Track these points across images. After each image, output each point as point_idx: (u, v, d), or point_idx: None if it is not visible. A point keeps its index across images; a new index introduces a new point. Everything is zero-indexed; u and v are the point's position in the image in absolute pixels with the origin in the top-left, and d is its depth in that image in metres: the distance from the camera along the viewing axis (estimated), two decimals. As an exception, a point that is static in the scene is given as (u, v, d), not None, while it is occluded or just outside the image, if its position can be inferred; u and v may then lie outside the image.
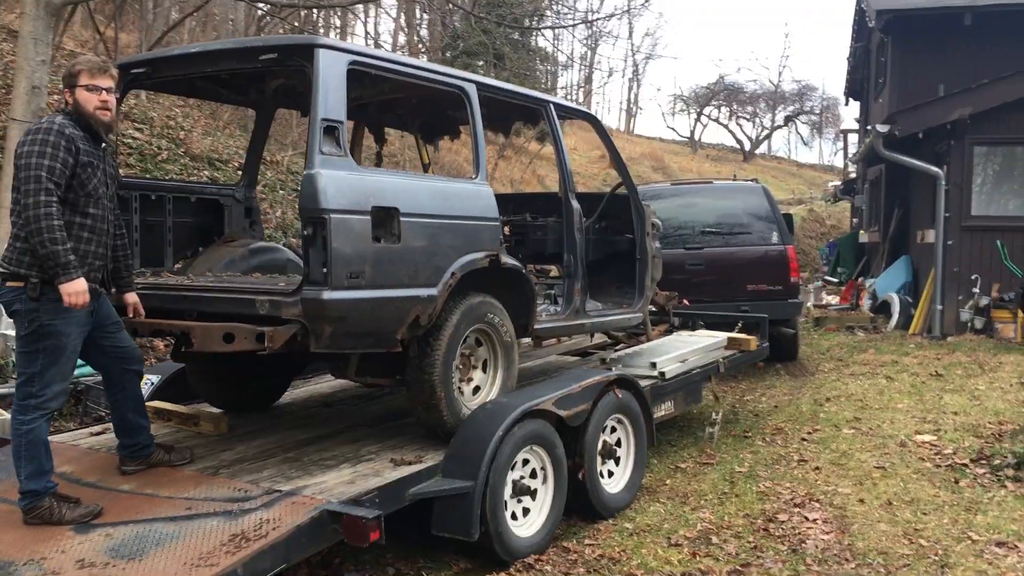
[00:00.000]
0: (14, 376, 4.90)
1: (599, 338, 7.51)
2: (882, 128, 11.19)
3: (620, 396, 5.12)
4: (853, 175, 23.03)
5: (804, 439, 6.48)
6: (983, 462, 5.72)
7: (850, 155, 25.62)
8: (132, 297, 4.21)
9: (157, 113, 12.10)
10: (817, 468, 5.76)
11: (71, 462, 4.34)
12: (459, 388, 4.62)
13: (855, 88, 22.53)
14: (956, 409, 7.22)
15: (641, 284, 6.32)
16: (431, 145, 6.78)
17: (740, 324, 7.45)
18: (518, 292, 5.03)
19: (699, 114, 70.26)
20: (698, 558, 4.28)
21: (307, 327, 3.84)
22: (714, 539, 4.53)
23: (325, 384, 6.22)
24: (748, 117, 70.84)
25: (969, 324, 11.14)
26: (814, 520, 4.78)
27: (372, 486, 3.86)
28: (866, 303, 13.95)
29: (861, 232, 17.70)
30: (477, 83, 4.93)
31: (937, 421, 6.85)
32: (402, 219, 4.13)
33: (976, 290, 11.10)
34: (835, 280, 17.14)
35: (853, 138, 27.55)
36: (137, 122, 11.15)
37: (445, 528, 4.03)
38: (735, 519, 4.82)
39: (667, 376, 5.85)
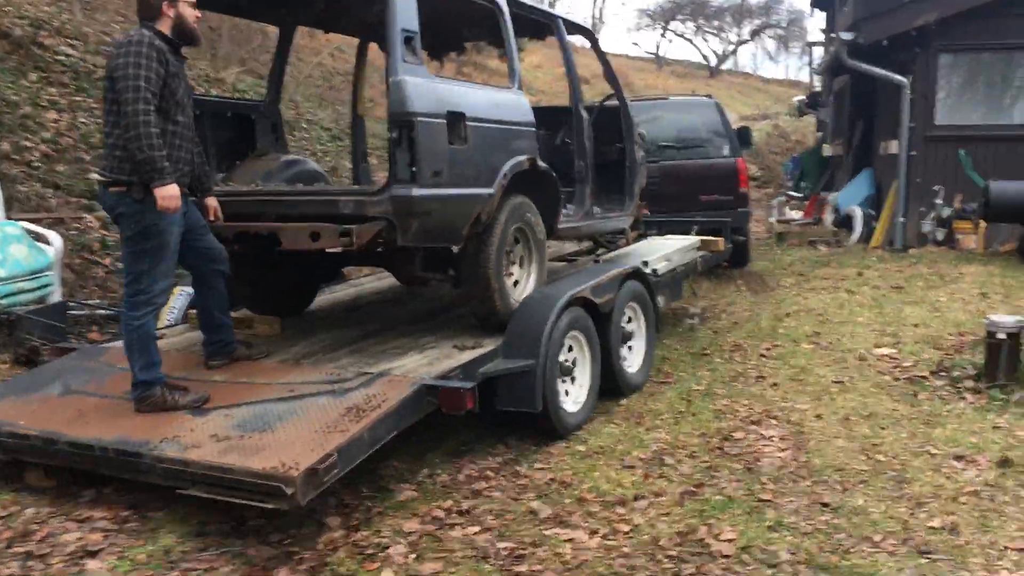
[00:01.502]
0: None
1: (572, 246, 7.63)
2: (846, 36, 10.90)
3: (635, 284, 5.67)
4: (818, 89, 22.73)
5: (763, 355, 6.36)
6: (942, 374, 5.62)
7: (815, 68, 25.22)
8: (213, 201, 4.46)
9: (92, 29, 11.47)
10: (775, 384, 5.63)
11: (172, 354, 4.68)
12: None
13: (821, -2, 22.10)
14: (916, 321, 7.13)
15: (631, 190, 6.76)
16: (438, 60, 6.98)
17: (696, 229, 7.92)
18: (548, 194, 5.41)
19: (664, 29, 69.26)
20: (651, 480, 4.14)
21: (394, 223, 4.22)
22: (668, 460, 4.38)
23: (342, 293, 6.58)
24: (714, 32, 69.95)
25: (931, 236, 11.06)
26: (770, 438, 4.65)
27: (450, 366, 4.28)
28: (828, 217, 13.82)
29: (825, 145, 17.49)
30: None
31: (897, 334, 6.74)
32: (468, 123, 4.52)
33: (939, 201, 10.98)
34: (799, 195, 16.98)
35: (819, 51, 27.16)
36: (70, 38, 10.56)
37: (512, 403, 4.43)
38: (690, 439, 4.67)
39: (659, 272, 6.25)
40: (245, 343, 4.80)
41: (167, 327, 5.60)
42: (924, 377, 5.61)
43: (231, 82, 12.11)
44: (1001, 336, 5.26)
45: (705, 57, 69.31)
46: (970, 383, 5.38)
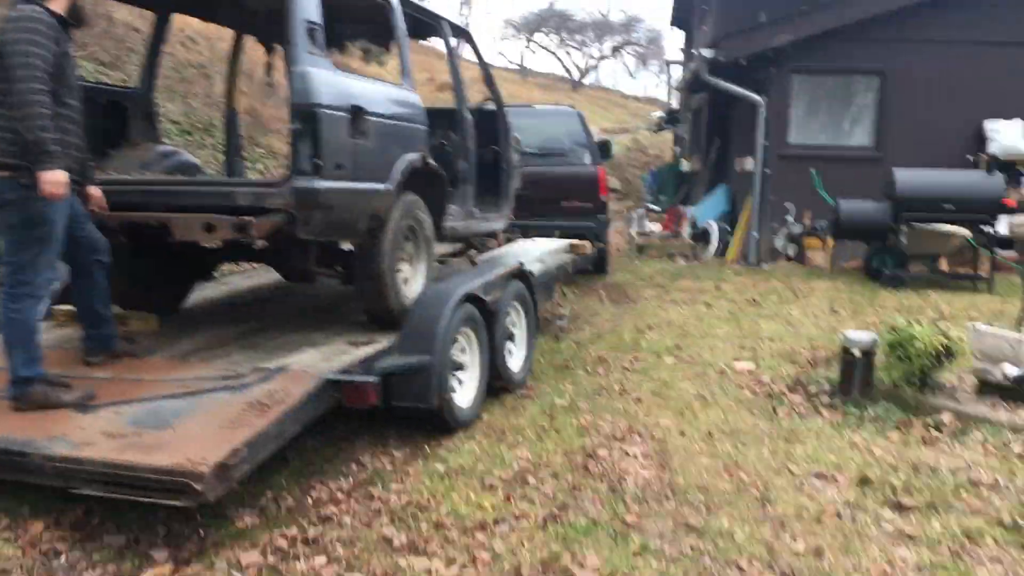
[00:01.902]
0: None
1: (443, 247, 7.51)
2: (707, 53, 11.11)
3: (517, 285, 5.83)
4: (676, 105, 23.34)
5: (626, 368, 6.28)
6: (799, 390, 5.67)
7: (674, 85, 25.89)
8: (97, 191, 4.25)
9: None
10: (639, 399, 5.53)
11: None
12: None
13: (681, 16, 22.70)
14: (772, 335, 7.23)
15: (507, 193, 6.93)
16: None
17: (557, 234, 8.27)
18: (436, 193, 5.47)
19: (529, 40, 70.05)
20: (513, 502, 3.91)
21: (295, 215, 4.17)
22: (531, 480, 4.17)
23: (214, 291, 6.34)
24: (577, 46, 71.33)
25: (783, 251, 11.40)
26: (635, 455, 4.51)
27: (348, 361, 4.29)
28: (686, 231, 14.09)
29: (683, 161, 17.94)
30: None
31: (755, 348, 6.81)
32: (368, 117, 4.53)
33: (790, 218, 11.33)
34: (657, 208, 17.31)
35: (677, 69, 27.94)
36: None
37: (407, 399, 4.44)
38: (554, 456, 4.48)
39: (534, 274, 6.27)
40: (127, 339, 4.65)
41: None
42: (783, 393, 5.63)
43: (69, 68, 11.24)
44: (856, 353, 5.33)
45: (568, 70, 70.50)
46: (826, 399, 5.44)
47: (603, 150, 10.86)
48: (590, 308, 8.62)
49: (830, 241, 11.02)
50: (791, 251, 11.32)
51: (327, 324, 5.20)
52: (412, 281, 5.24)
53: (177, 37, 18.27)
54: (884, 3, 10.86)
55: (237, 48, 6.59)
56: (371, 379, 4.11)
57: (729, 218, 13.34)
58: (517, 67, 70.01)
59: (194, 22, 6.16)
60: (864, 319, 7.82)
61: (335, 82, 4.38)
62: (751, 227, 11.55)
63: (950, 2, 10.86)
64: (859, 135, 11.48)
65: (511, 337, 5.71)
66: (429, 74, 36.23)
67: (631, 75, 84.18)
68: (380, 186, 4.70)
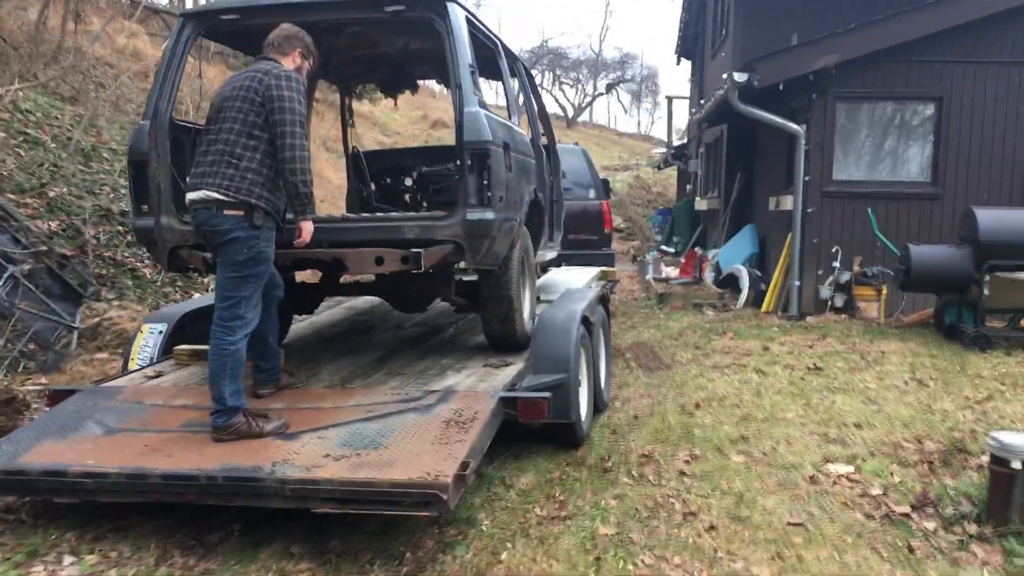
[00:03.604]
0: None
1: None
2: (740, 77, 9.71)
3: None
4: (681, 141, 22.05)
5: (684, 473, 4.75)
6: (929, 511, 4.16)
7: (675, 121, 24.59)
8: (309, 226, 4.32)
9: None
10: (712, 526, 4.02)
11: (190, 395, 4.66)
12: None
13: (688, 46, 21.46)
14: (857, 419, 5.73)
15: (559, 223, 7.18)
16: (392, 98, 7.60)
17: (563, 263, 8.49)
18: (535, 225, 5.90)
19: (523, 78, 69.21)
20: None
21: (462, 245, 4.59)
22: None
23: (296, 325, 6.58)
24: (571, 83, 70.56)
25: (829, 302, 9.93)
26: (735, 643, 3.01)
27: (504, 381, 4.63)
28: (709, 276, 12.66)
29: (697, 199, 16.54)
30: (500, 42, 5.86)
31: (843, 439, 5.30)
32: (512, 153, 4.98)
33: (836, 264, 9.89)
34: (671, 250, 15.90)
35: (680, 104, 26.71)
36: None
37: (550, 415, 4.50)
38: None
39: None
40: (287, 371, 4.90)
41: (145, 366, 5.41)
42: (907, 515, 4.12)
43: (9, 98, 9.80)
44: (1016, 465, 3.84)
45: (562, 107, 69.80)
46: (972, 527, 3.93)
47: (604, 189, 11.47)
48: (618, 377, 7.12)
49: (884, 290, 9.57)
50: (839, 301, 9.85)
51: (441, 349, 5.63)
52: (526, 306, 5.58)
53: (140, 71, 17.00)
54: (942, 19, 9.50)
55: (345, 99, 7.38)
56: (544, 395, 4.44)
57: (758, 262, 11.91)
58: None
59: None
60: (963, 394, 6.31)
61: (494, 121, 4.78)
62: (791, 274, 10.09)
63: (1018, 19, 9.50)
64: (914, 169, 10.05)
65: (600, 357, 5.91)
66: (422, 111, 35.20)
67: (625, 111, 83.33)
68: (516, 216, 5.13)
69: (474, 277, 5.43)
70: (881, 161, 10.08)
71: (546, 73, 69.95)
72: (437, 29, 4.73)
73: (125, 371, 5.43)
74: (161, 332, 5.63)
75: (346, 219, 5.10)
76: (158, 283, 8.49)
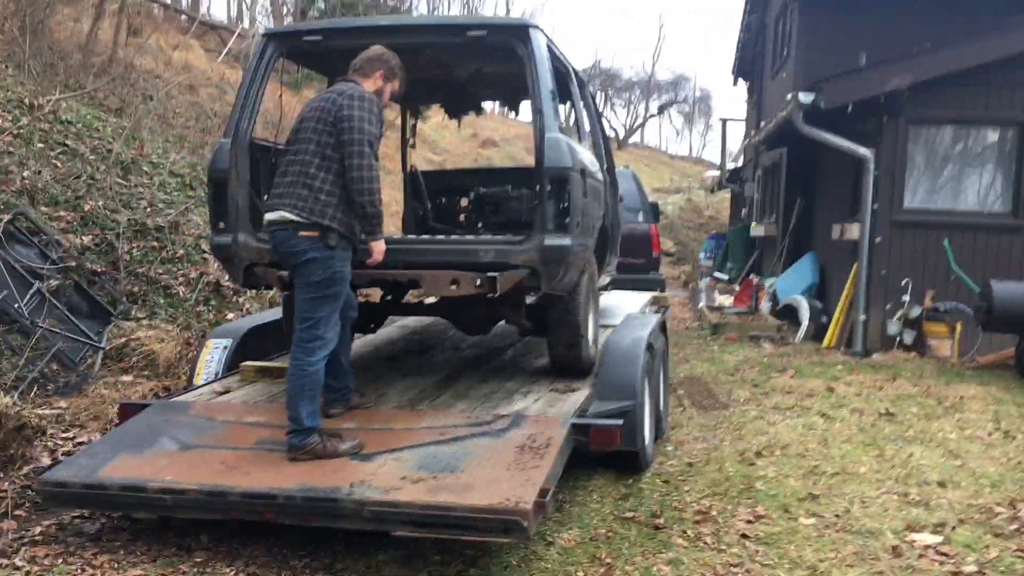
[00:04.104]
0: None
1: None
2: (805, 98, 9.19)
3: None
4: (736, 164, 21.43)
5: (745, 535, 4.22)
6: (1039, 597, 3.61)
7: (729, 144, 23.97)
8: (382, 246, 4.34)
9: None
10: (782, 607, 3.51)
11: (261, 413, 4.67)
12: None
13: (745, 68, 20.89)
14: (939, 475, 5.15)
15: (615, 248, 6.96)
16: (456, 119, 7.50)
17: (611, 288, 7.97)
18: (600, 249, 5.74)
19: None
20: None
21: (538, 271, 4.57)
22: None
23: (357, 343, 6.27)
24: (623, 104, 70.15)
25: (897, 339, 9.31)
26: None
27: (572, 408, 4.61)
28: (765, 306, 12.08)
29: (753, 224, 15.93)
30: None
31: (926, 500, 4.72)
32: (587, 179, 4.92)
33: (906, 298, 9.27)
34: (724, 277, 15.32)
35: (734, 126, 26.08)
36: None
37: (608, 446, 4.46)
38: None
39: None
40: (357, 391, 4.88)
41: (210, 381, 5.41)
42: (1011, 602, 3.58)
43: (51, 107, 9.63)
44: None
45: (613, 128, 69.40)
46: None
47: (653, 212, 11.40)
48: (670, 416, 6.61)
49: (958, 328, 8.93)
50: (908, 338, 9.22)
51: (507, 372, 5.56)
52: (591, 332, 5.43)
53: (207, 84, 16.99)
54: (1022, 42, 8.88)
55: (405, 116, 7.26)
56: (617, 423, 4.42)
57: (818, 292, 11.30)
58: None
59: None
60: (1057, 450, 5.71)
61: (573, 146, 4.73)
62: (855, 307, 9.49)
63: (1109, 37, 8.85)
64: (992, 198, 9.41)
65: (661, 384, 5.92)
66: (472, 130, 34.99)
67: (677, 134, 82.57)
68: (589, 243, 5.10)
69: (532, 299, 5.29)
70: (956, 189, 9.45)
71: (598, 93, 69.71)
72: (518, 54, 4.74)
73: (190, 386, 5.48)
74: (226, 348, 5.64)
75: (422, 240, 5.13)
76: (190, 302, 8.18)
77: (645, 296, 8.04)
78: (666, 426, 6.05)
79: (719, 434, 6.15)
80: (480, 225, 7.01)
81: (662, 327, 6.32)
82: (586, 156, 5.21)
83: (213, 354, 5.65)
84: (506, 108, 7.25)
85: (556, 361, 5.34)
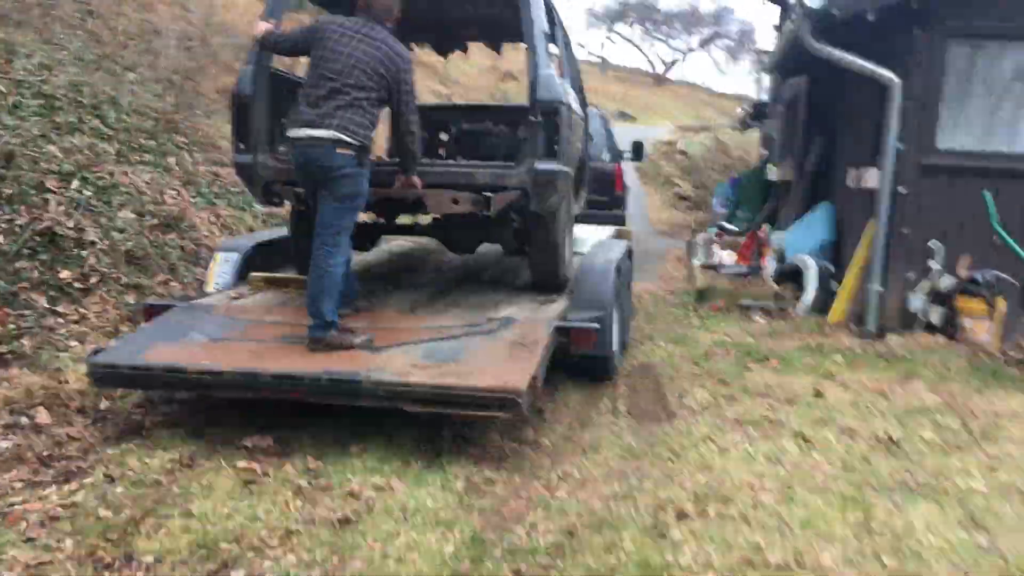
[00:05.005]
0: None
1: None
2: (814, 2, 7.08)
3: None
4: (766, 97, 19.11)
5: None
6: None
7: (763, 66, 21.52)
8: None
9: None
10: None
11: (280, 313, 5.29)
12: None
13: (774, -12, 18.43)
14: (951, 565, 3.28)
15: (586, 182, 7.48)
16: (443, 56, 8.12)
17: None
18: (578, 180, 6.49)
19: (610, 31, 65.91)
20: None
21: (528, 192, 5.15)
22: None
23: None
24: (663, 38, 66.87)
25: (922, 316, 7.32)
26: None
27: (554, 314, 5.23)
28: (770, 265, 10.07)
29: (770, 166, 13.76)
30: None
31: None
32: (571, 113, 5.53)
33: (935, 265, 7.25)
34: (734, 228, 13.24)
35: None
36: None
37: (588, 348, 5.09)
38: None
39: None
40: (362, 297, 5.49)
41: (219, 291, 5.89)
42: None
43: None
44: None
45: (651, 64, 66.37)
46: None
47: (636, 152, 11.34)
48: (592, 429, 4.78)
49: (1000, 305, 6.93)
50: (935, 317, 7.23)
51: (491, 288, 6.09)
52: (567, 252, 6.06)
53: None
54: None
55: None
56: (594, 326, 5.03)
57: (832, 252, 9.28)
58: (598, 60, 66.24)
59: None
60: None
61: (560, 83, 5.24)
62: (871, 274, 7.49)
63: None
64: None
65: (625, 302, 6.65)
66: (492, 62, 32.87)
67: (720, 70, 78.72)
68: (568, 169, 5.51)
69: (516, 223, 5.88)
70: (1006, 127, 7.32)
71: (635, 26, 66.52)
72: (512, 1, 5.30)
73: (203, 293, 6.00)
74: (234, 260, 6.13)
75: (427, 164, 5.45)
76: (9, 254, 6.46)
77: (609, 229, 8.31)
78: (629, 340, 6.79)
79: (644, 468, 4.31)
80: (459, 159, 7.10)
81: (628, 254, 6.94)
82: (571, 93, 5.65)
83: (223, 266, 6.11)
84: (491, 48, 7.68)
85: (537, 277, 5.91)
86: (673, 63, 67.54)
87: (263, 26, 5.06)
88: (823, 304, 8.26)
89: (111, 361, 4.47)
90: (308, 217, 5.20)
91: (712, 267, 10.64)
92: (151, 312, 5.28)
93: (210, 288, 5.99)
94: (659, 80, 64.13)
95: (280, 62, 6.01)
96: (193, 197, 8.71)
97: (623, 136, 13.45)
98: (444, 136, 7.74)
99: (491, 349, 4.55)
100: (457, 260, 7.25)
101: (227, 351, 4.59)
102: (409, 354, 4.48)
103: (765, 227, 12.41)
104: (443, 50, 7.73)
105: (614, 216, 10.42)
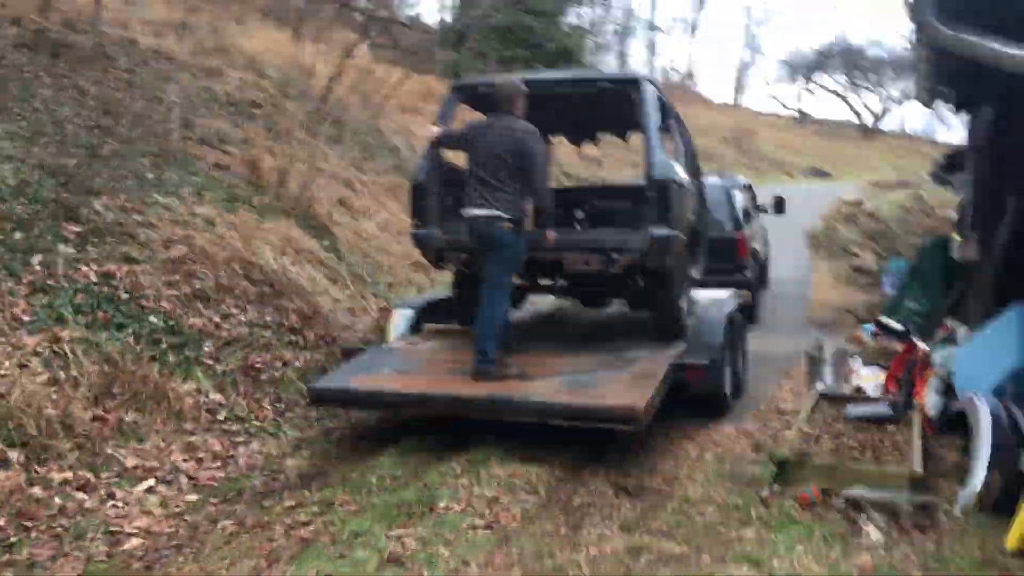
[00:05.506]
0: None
1: None
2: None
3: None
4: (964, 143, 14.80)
5: None
6: None
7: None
8: (553, 234, 6.33)
9: None
10: None
11: (448, 354, 6.73)
12: None
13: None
14: None
15: (705, 251, 8.44)
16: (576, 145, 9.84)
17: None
18: (691, 247, 7.56)
19: (807, 81, 61.03)
20: None
21: (646, 253, 6.27)
22: None
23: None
24: (871, 87, 61.05)
25: None
26: None
27: (672, 356, 6.39)
28: (931, 401, 6.36)
29: (955, 237, 9.80)
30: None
31: None
32: (680, 187, 6.67)
33: None
34: (898, 327, 9.35)
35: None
36: None
37: (704, 387, 6.52)
38: None
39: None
40: (514, 341, 6.64)
41: (398, 339, 7.31)
42: None
43: None
44: None
45: (857, 114, 60.72)
46: None
47: (777, 206, 14.01)
48: None
49: None
50: None
51: (618, 338, 7.03)
52: (684, 306, 7.16)
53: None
54: None
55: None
56: (705, 363, 6.37)
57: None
58: (795, 113, 61.52)
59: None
60: None
61: (673, 165, 6.68)
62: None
63: None
64: None
65: (739, 352, 7.80)
66: (582, 151, 30.16)
67: (939, 119, 70.31)
68: (682, 236, 6.71)
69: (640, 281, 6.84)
70: None
71: (837, 75, 61.24)
72: (631, 98, 6.55)
73: (383, 341, 7.44)
74: (410, 317, 7.50)
75: (563, 231, 6.54)
76: None
77: (726, 292, 8.45)
78: (744, 385, 7.72)
79: None
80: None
81: (740, 309, 8.00)
82: (680, 171, 6.86)
83: (401, 320, 7.49)
84: (619, 138, 8.80)
85: (657, 325, 6.95)
86: (884, 113, 61.50)
87: (435, 129, 6.65)
88: (997, 505, 4.56)
89: (323, 387, 6.11)
90: (469, 281, 6.69)
91: (841, 399, 6.96)
92: (347, 353, 6.95)
93: (390, 338, 7.30)
94: (867, 132, 58.41)
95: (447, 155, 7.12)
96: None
97: (770, 192, 14.86)
98: (579, 213, 8.32)
99: (618, 379, 5.83)
100: (590, 314, 8.22)
101: (410, 380, 6.04)
102: (553, 383, 5.81)
103: (949, 324, 8.57)
104: (576, 141, 9.06)
105: (736, 282, 10.18)
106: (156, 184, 8.95)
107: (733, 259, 11.19)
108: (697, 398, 6.47)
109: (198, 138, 11.04)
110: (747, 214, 12.22)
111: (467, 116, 7.24)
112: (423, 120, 19.28)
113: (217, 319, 6.84)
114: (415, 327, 7.37)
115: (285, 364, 6.94)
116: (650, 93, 6.57)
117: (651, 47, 59.88)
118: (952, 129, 61.18)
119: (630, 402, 5.31)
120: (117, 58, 11.92)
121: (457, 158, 7.07)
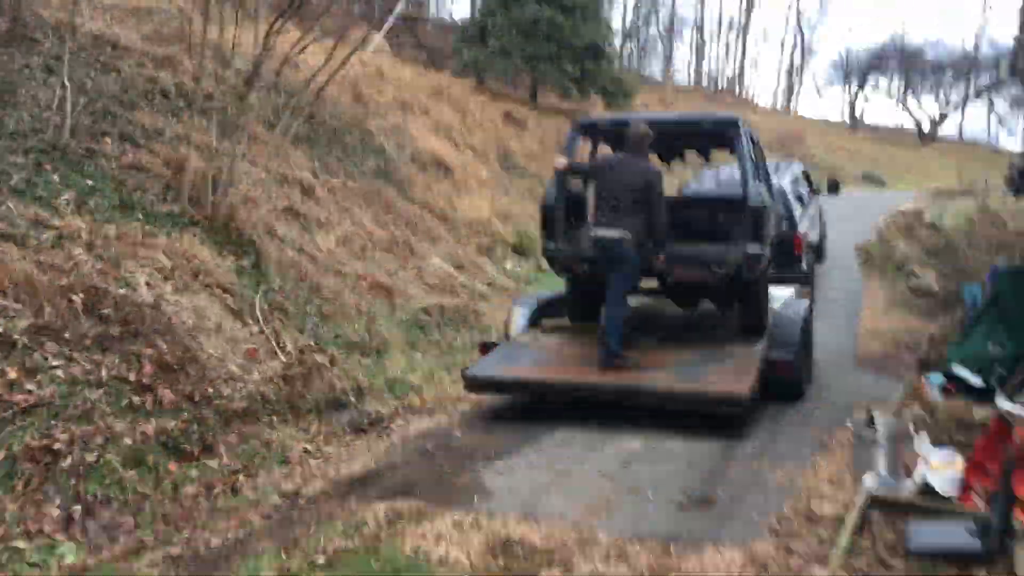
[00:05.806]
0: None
1: None
2: None
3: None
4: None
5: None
6: None
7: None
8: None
9: None
10: None
11: (572, 347, 7.76)
12: None
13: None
14: None
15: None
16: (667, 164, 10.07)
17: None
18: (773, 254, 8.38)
19: (861, 85, 58.16)
20: None
21: (743, 265, 7.27)
22: None
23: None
24: (929, 90, 57.99)
25: None
26: None
27: (761, 350, 7.25)
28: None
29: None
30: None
31: None
32: (771, 210, 7.74)
33: None
34: (977, 381, 7.08)
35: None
36: None
37: (788, 377, 7.43)
38: None
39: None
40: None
41: (521, 334, 8.25)
42: None
43: None
44: None
45: (916, 120, 57.54)
46: None
47: (831, 188, 15.62)
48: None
49: None
50: None
51: (707, 335, 7.97)
52: (767, 306, 8.04)
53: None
54: None
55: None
56: (791, 357, 7.36)
57: None
58: (848, 118, 58.68)
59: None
60: None
61: (764, 192, 7.60)
62: None
63: None
64: None
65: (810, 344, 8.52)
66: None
67: (1000, 123, 66.54)
68: (767, 250, 7.57)
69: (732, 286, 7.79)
70: None
71: (894, 78, 58.27)
72: (730, 135, 7.69)
73: (508, 336, 8.39)
74: (526, 313, 8.45)
75: (672, 245, 7.48)
76: None
77: (789, 288, 9.69)
78: (809, 377, 8.26)
79: None
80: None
81: (808, 307, 8.50)
82: (767, 195, 7.77)
83: (519, 317, 8.41)
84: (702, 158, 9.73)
85: (746, 324, 7.84)
86: (943, 118, 58.34)
87: (562, 160, 7.80)
88: None
89: (475, 375, 7.11)
90: (581, 284, 8.15)
91: (902, 507, 4.75)
92: (484, 348, 8.04)
93: (512, 331, 8.32)
94: (924, 138, 55.36)
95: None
96: None
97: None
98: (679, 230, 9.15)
99: (723, 370, 6.76)
100: (682, 313, 9.05)
101: (547, 369, 7.24)
102: (667, 373, 6.76)
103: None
104: (667, 159, 9.52)
105: (795, 276, 11.19)
106: (21, 189, 7.11)
107: (791, 256, 11.81)
108: (778, 385, 7.28)
109: (118, 133, 9.22)
110: (801, 199, 13.00)
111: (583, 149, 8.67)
112: (424, 120, 17.37)
113: (14, 374, 4.87)
114: (533, 322, 8.41)
115: (108, 441, 4.91)
116: (744, 129, 7.65)
117: (698, 50, 57.47)
118: (1014, 135, 57.77)
119: (736, 389, 6.37)
120: (42, 42, 10.15)
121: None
